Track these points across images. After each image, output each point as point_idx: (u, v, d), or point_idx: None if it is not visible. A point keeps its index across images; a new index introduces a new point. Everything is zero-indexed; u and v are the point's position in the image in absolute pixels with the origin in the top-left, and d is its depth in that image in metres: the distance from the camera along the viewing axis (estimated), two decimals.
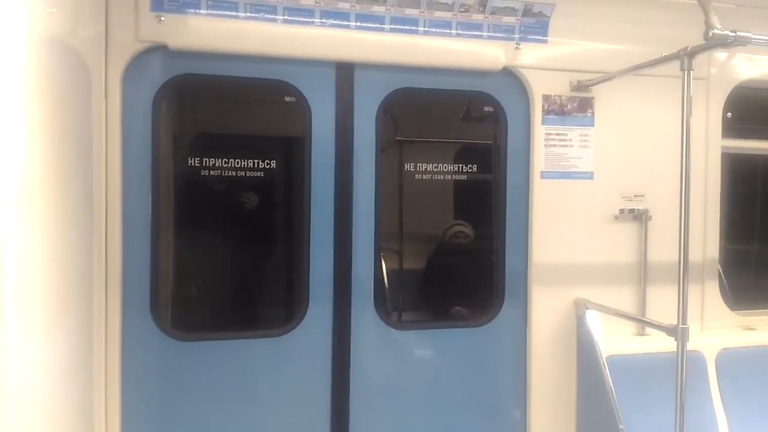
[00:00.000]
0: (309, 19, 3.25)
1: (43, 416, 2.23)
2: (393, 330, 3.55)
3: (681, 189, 2.76)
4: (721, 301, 3.92)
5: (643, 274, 3.69)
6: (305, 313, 3.39)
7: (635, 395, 3.36)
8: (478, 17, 3.45)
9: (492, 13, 3.45)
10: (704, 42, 2.65)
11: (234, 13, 3.15)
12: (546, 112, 3.60)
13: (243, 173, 3.38)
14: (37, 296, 2.13)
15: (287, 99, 3.39)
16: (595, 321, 3.47)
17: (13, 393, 1.88)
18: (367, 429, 3.49)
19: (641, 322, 3.63)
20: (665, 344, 2.87)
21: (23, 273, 1.97)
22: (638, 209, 3.69)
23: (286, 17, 3.22)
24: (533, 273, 3.61)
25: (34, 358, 2.10)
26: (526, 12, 3.48)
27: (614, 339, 3.54)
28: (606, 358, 3.33)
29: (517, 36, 3.52)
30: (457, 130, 3.92)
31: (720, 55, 3.84)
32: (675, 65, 2.79)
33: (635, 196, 3.71)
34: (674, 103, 2.82)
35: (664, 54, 2.94)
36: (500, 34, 3.50)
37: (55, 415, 2.37)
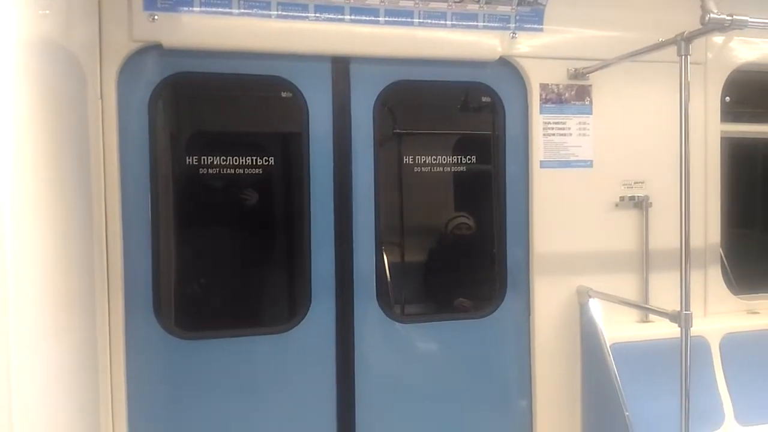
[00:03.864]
0: (303, 14, 3.23)
1: (49, 418, 2.23)
2: (396, 323, 3.55)
3: (681, 175, 2.75)
4: (724, 286, 3.92)
5: (645, 260, 3.69)
6: (308, 309, 3.39)
7: (640, 382, 3.37)
8: (473, 7, 3.43)
9: (487, 2, 3.43)
10: (701, 27, 2.64)
11: (227, 10, 3.14)
12: (544, 101, 3.58)
13: (241, 170, 3.38)
14: (39, 299, 2.12)
15: (283, 95, 3.37)
16: (598, 309, 3.46)
17: (18, 396, 1.88)
18: (373, 423, 3.49)
19: (644, 309, 3.62)
20: (669, 330, 2.86)
21: (24, 277, 1.97)
22: (638, 196, 3.68)
23: (279, 12, 3.21)
24: (535, 263, 3.61)
25: (38, 361, 2.10)
26: (521, 1, 3.46)
27: (618, 326, 3.54)
28: (610, 346, 3.34)
29: (513, 25, 3.51)
30: (455, 122, 3.91)
31: (717, 39, 3.82)
32: (672, 51, 2.78)
33: (635, 183, 3.70)
34: (672, 88, 2.81)
35: (660, 39, 2.92)
36: (496, 24, 3.48)
37: (60, 416, 2.37)
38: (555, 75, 3.59)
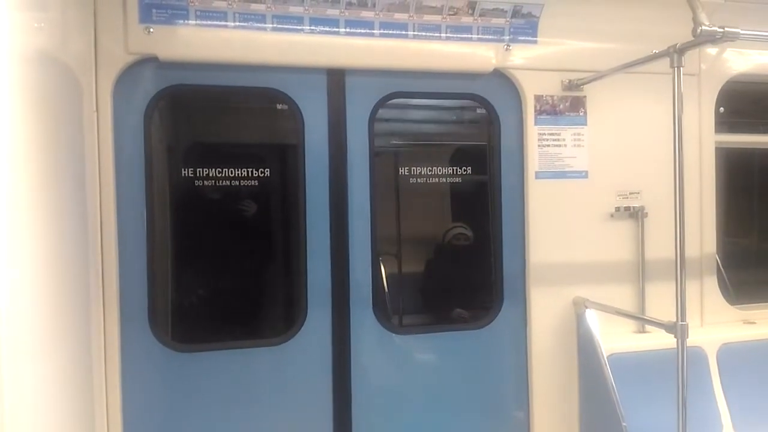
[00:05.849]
0: (298, 27, 3.25)
1: None
2: (393, 335, 3.54)
3: (675, 185, 2.76)
4: (721, 296, 3.92)
5: (641, 271, 3.69)
6: (304, 321, 3.38)
7: (637, 392, 3.35)
8: (467, 20, 3.45)
9: (481, 15, 3.45)
10: (693, 38, 2.66)
11: (223, 23, 3.15)
12: (538, 112, 3.60)
13: (237, 182, 3.38)
14: (33, 312, 2.11)
15: (279, 107, 3.39)
16: (594, 320, 3.46)
17: (11, 411, 1.87)
18: None
19: (641, 319, 3.62)
20: (666, 341, 2.86)
21: (18, 290, 1.96)
22: (634, 207, 3.69)
23: (275, 25, 3.22)
24: (531, 273, 3.61)
25: (32, 375, 2.09)
26: (515, 13, 3.48)
27: (614, 337, 3.53)
28: (607, 357, 3.33)
29: (507, 37, 3.53)
30: (451, 133, 3.93)
31: (711, 50, 3.84)
32: (666, 62, 2.80)
33: (630, 193, 3.71)
34: (666, 99, 2.82)
35: (654, 51, 2.94)
36: (490, 36, 3.50)
37: None
38: (549, 86, 3.61)
